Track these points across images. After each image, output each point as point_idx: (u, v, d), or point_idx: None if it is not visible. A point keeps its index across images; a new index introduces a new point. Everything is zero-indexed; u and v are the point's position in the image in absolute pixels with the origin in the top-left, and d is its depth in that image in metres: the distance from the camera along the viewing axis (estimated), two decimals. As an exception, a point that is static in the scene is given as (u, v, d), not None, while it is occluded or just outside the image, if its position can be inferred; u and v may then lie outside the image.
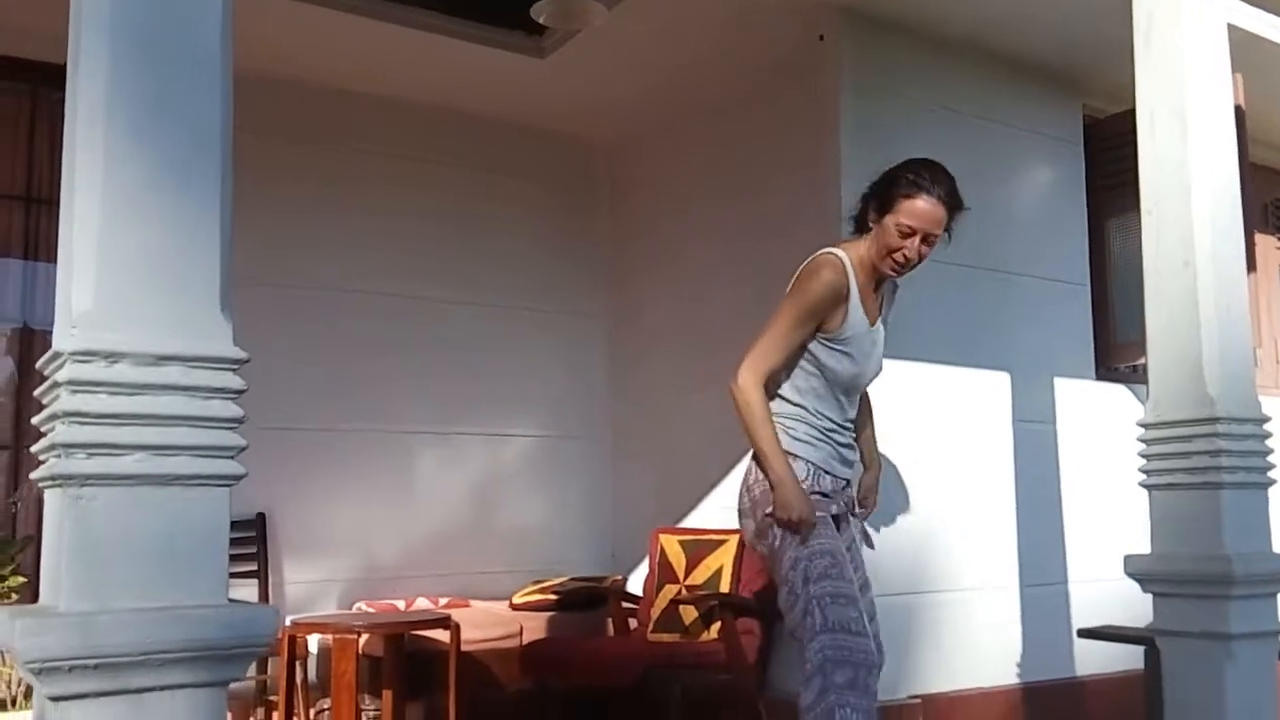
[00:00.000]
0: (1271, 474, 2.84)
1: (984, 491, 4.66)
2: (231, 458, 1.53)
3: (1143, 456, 2.88)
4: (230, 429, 1.53)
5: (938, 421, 4.54)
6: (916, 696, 4.28)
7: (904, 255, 2.95)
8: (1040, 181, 5.13)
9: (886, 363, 3.21)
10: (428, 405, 5.33)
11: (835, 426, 3.05)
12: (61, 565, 1.44)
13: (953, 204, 2.94)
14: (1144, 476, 2.89)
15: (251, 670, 4.56)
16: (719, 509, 4.94)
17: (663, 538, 4.76)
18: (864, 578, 3.08)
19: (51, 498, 1.49)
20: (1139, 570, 2.86)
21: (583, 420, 5.78)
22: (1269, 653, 2.81)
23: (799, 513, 2.84)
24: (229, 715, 4.48)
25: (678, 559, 4.63)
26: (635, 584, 5.17)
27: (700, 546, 4.60)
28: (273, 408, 4.80)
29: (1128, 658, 4.30)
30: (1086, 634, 3.75)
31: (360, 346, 5.17)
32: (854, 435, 3.14)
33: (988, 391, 4.74)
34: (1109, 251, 5.13)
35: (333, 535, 5.02)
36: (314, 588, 4.94)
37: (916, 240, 2.93)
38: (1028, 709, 4.56)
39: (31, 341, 4.53)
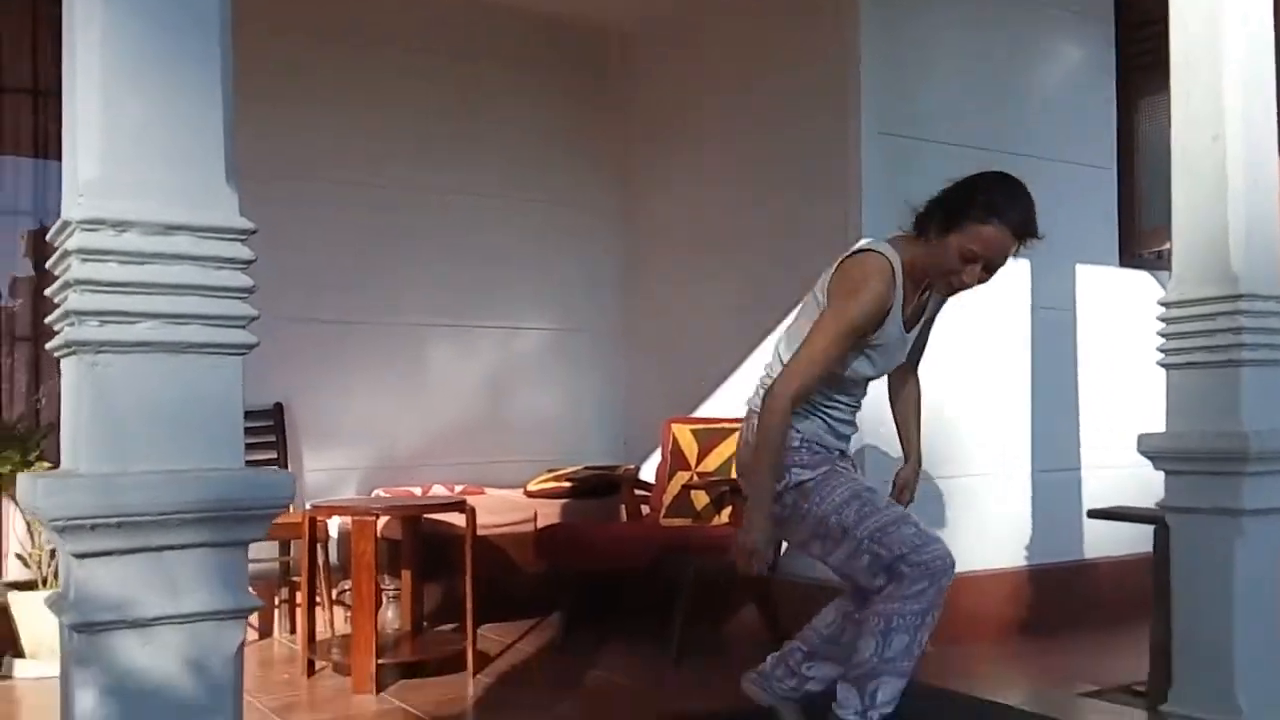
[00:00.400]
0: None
1: (999, 378, 4.66)
2: (243, 327, 1.55)
3: (1162, 336, 2.87)
4: (240, 299, 1.55)
5: (953, 308, 4.52)
6: (927, 578, 4.34)
7: (961, 280, 2.77)
8: (1067, 60, 5.02)
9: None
10: (441, 298, 5.35)
11: (836, 404, 2.93)
12: (80, 431, 1.47)
13: (1026, 234, 2.73)
14: (1162, 357, 2.88)
15: (275, 552, 4.66)
16: (730, 399, 4.97)
17: (675, 427, 4.80)
18: None
19: (68, 366, 1.51)
20: (1152, 448, 2.87)
21: (594, 313, 5.79)
22: (1279, 530, 2.83)
23: (756, 547, 2.67)
24: (252, 591, 4.62)
25: (690, 447, 4.67)
26: (648, 472, 5.23)
27: (712, 435, 4.64)
28: (288, 300, 4.83)
29: (1136, 542, 4.33)
30: (1096, 514, 3.78)
31: (373, 240, 5.19)
32: (855, 412, 3.01)
33: (1007, 277, 4.70)
34: (1138, 134, 5.05)
35: (350, 425, 5.08)
36: (333, 476, 5.02)
37: (978, 267, 2.73)
38: (1035, 590, 4.62)
39: (47, 242, 4.54)
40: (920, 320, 3.00)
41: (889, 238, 2.89)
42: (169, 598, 1.50)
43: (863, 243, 2.93)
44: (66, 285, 1.47)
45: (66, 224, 1.47)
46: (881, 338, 2.82)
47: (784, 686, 3.06)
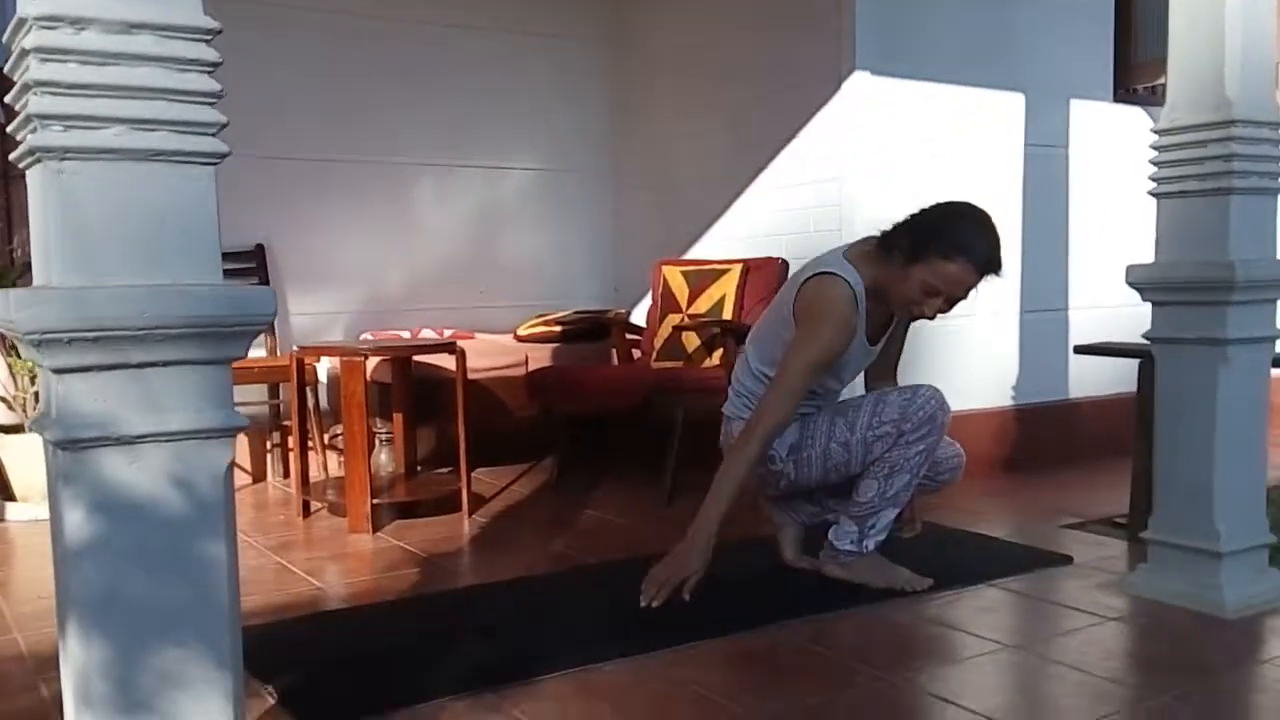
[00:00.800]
0: (1282, 180, 2.80)
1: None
2: (213, 134, 1.50)
3: (1154, 164, 2.83)
4: (209, 104, 1.50)
5: (945, 144, 4.47)
6: (914, 417, 4.38)
7: (921, 311, 2.81)
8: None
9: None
10: (426, 136, 5.26)
11: (805, 407, 3.00)
12: (50, 243, 1.44)
13: (990, 271, 2.79)
14: (1154, 186, 2.85)
15: (264, 395, 4.68)
16: (722, 240, 4.94)
17: (665, 269, 4.78)
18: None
19: (34, 176, 1.48)
20: (1140, 279, 2.86)
21: (584, 152, 5.71)
22: (1263, 357, 2.83)
23: (692, 571, 2.74)
24: (245, 439, 4.66)
25: (680, 289, 4.66)
26: (638, 317, 5.23)
27: (703, 277, 4.62)
28: (268, 136, 4.75)
29: (1120, 382, 4.37)
30: (1083, 350, 3.79)
31: (357, 74, 5.06)
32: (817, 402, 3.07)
33: (1000, 113, 4.63)
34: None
35: (335, 268, 5.05)
36: (319, 320, 5.00)
37: (939, 301, 2.78)
38: (1020, 427, 4.68)
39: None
40: (888, 331, 3.06)
41: (851, 252, 2.91)
42: (153, 415, 1.50)
43: (826, 262, 2.89)
44: (26, 88, 1.42)
45: (23, 21, 1.41)
46: (846, 356, 2.90)
47: (805, 511, 3.24)
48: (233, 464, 1.59)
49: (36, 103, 1.40)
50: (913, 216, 2.82)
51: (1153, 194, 2.86)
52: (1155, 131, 2.84)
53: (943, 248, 2.73)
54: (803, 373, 2.79)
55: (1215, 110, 2.72)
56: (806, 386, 2.84)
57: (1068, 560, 3.27)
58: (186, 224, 1.49)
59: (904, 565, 3.02)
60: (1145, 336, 2.92)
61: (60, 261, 1.43)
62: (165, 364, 1.49)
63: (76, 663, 1.49)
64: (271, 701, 2.27)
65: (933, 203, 2.86)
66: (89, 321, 1.41)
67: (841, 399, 3.12)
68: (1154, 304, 2.88)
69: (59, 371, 1.44)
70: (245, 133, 4.63)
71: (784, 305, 2.95)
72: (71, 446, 1.46)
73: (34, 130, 1.41)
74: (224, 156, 1.50)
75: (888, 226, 2.87)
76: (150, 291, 1.45)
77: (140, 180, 1.45)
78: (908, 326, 3.16)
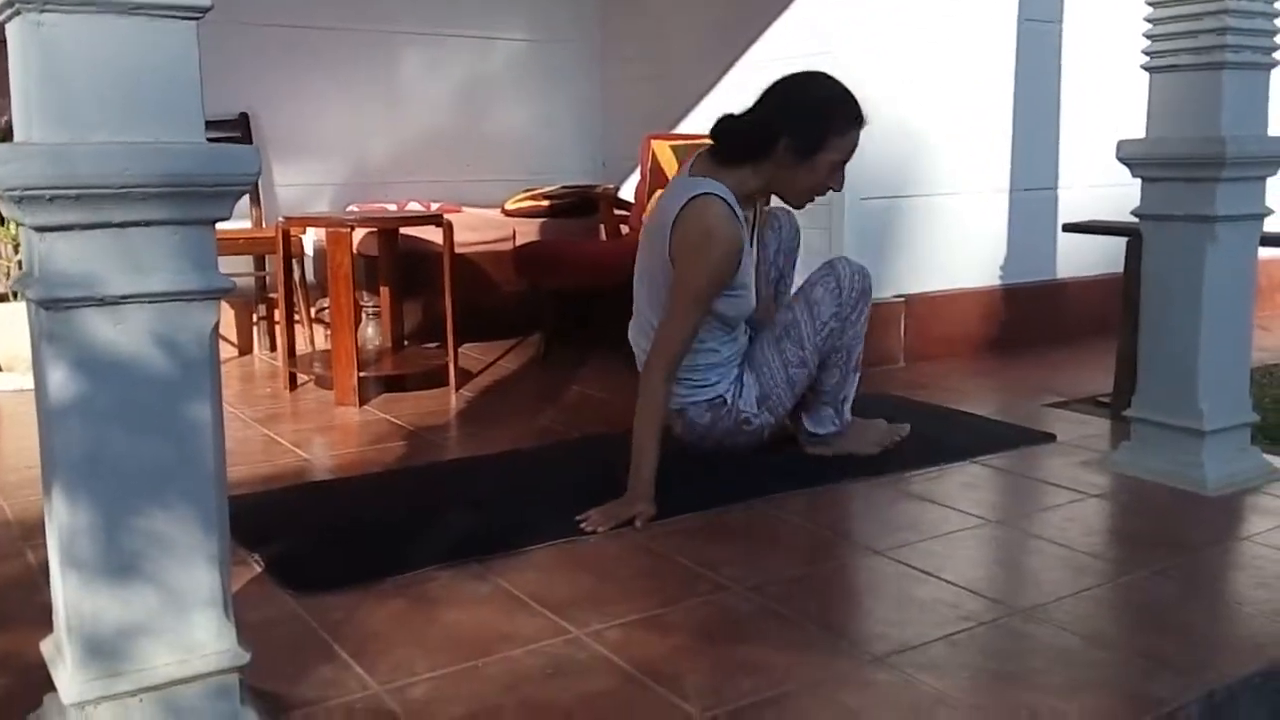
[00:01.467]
0: (1277, 55, 2.76)
1: (981, 94, 4.57)
2: (194, -13, 1.46)
3: (1147, 38, 2.79)
4: (189, -45, 1.45)
5: (936, 20, 4.39)
6: (901, 296, 4.39)
7: (830, 188, 2.82)
8: None
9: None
10: (415, 3, 5.14)
11: (724, 344, 2.93)
12: (30, 99, 1.40)
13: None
14: (1147, 60, 2.81)
15: (250, 267, 4.65)
16: (713, 114, 4.85)
17: (655, 143, 4.72)
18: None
19: (13, 31, 1.43)
20: (1130, 154, 2.83)
21: (572, 21, 5.59)
22: (1251, 236, 2.83)
23: (640, 512, 2.58)
24: (232, 311, 4.64)
25: (670, 164, 4.60)
26: (627, 192, 5.19)
27: (693, 151, 4.55)
28: (251, 2, 4.63)
29: (1107, 263, 4.37)
30: (1071, 228, 3.78)
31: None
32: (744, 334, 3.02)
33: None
34: None
35: (320, 138, 4.97)
36: (304, 191, 4.95)
37: (842, 172, 2.82)
38: (1007, 307, 4.69)
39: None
40: (755, 228, 3.00)
41: (699, 169, 2.81)
42: (135, 276, 1.48)
43: (690, 183, 2.76)
44: (-2, -65, 1.38)
45: None
46: (741, 276, 2.80)
47: None
48: (217, 326, 1.57)
49: (10, -51, 1.36)
50: (776, 112, 2.74)
51: (1145, 68, 2.82)
52: (1149, 3, 2.79)
53: (839, 125, 2.75)
54: (693, 301, 2.69)
55: (1212, -19, 2.67)
56: (701, 314, 2.72)
57: (1051, 438, 3.30)
58: (168, 81, 1.45)
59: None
60: (1134, 213, 2.91)
61: (41, 117, 1.39)
62: (147, 223, 1.46)
63: (61, 524, 1.50)
64: (259, 569, 2.30)
65: (775, 88, 2.78)
66: (70, 179, 1.37)
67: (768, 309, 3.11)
68: (1143, 180, 2.86)
69: (41, 230, 1.41)
70: (227, -2, 4.56)
71: (658, 238, 2.78)
72: (55, 306, 1.44)
73: (9, -21, 1.37)
74: (206, 10, 1.45)
75: (715, 129, 2.82)
76: (131, 148, 1.42)
77: (122, 35, 1.41)
78: (781, 242, 3.17)
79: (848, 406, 3.04)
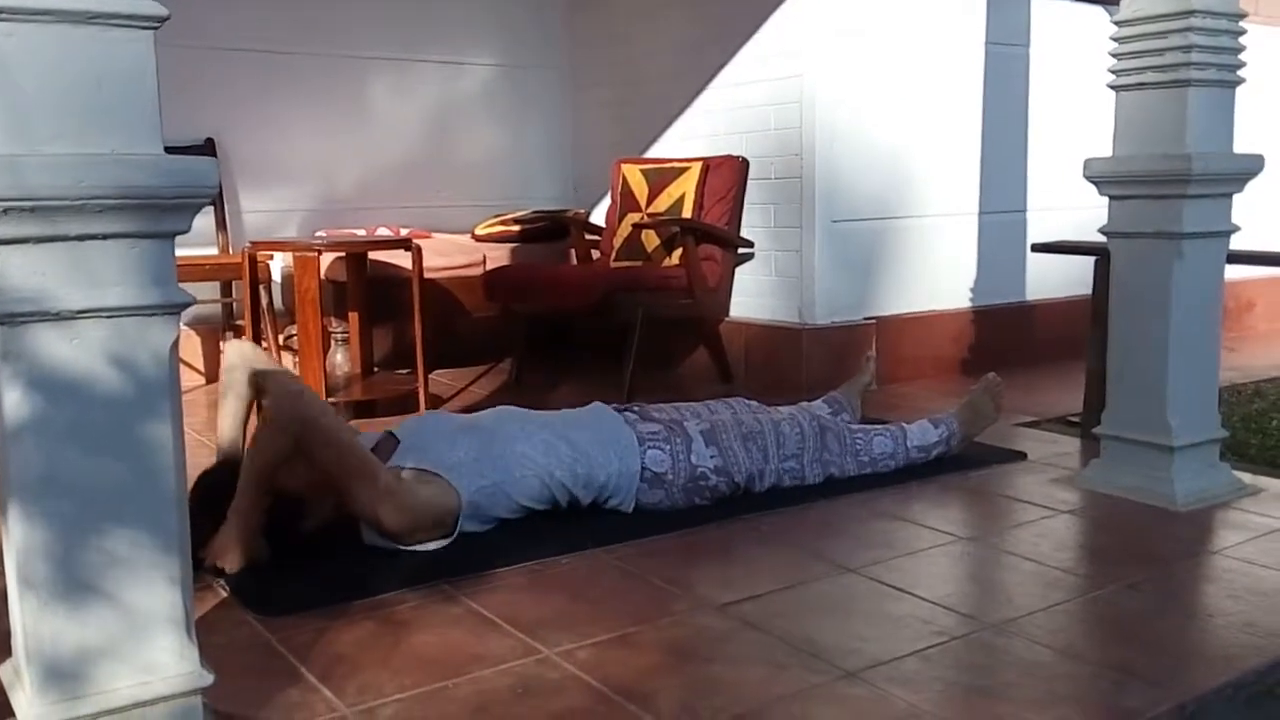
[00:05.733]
0: (1241, 73, 2.78)
1: (949, 117, 4.60)
2: (152, -3, 1.44)
3: (1114, 56, 2.81)
4: (147, -35, 1.43)
5: (904, 43, 4.42)
6: (871, 318, 4.40)
7: None
8: None
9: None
10: (382, 29, 5.14)
11: None
12: (-16, 111, 1.39)
13: None
14: (1113, 79, 2.83)
15: (216, 294, 4.61)
16: (681, 138, 4.89)
17: (625, 167, 4.72)
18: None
19: (-37, 39, 1.41)
20: (1097, 172, 2.85)
21: (542, 46, 5.60)
22: (1218, 252, 2.84)
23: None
24: (198, 339, 4.60)
25: (640, 188, 4.61)
26: (598, 217, 5.18)
27: (663, 175, 4.57)
28: (218, 26, 4.63)
29: (1076, 284, 4.39)
30: (1040, 248, 3.80)
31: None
32: None
33: (959, 10, 4.58)
34: None
35: (288, 163, 4.95)
36: (272, 217, 4.92)
37: None
38: (978, 329, 4.70)
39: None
40: None
41: None
42: (92, 291, 1.45)
43: None
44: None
45: None
46: None
47: None
48: (177, 342, 1.55)
49: (-35, -41, 1.34)
50: None
51: (1112, 86, 2.84)
52: (1115, 22, 2.81)
53: None
54: None
55: (1176, 0, 2.69)
56: None
57: (1022, 456, 3.30)
58: (124, 92, 1.43)
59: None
60: (1102, 230, 2.92)
61: (-5, 129, 1.37)
62: (104, 237, 1.44)
63: (18, 546, 1.47)
64: (224, 594, 2.27)
65: None
66: (25, 190, 1.35)
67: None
68: (1111, 198, 2.88)
69: (-6, 243, 1.39)
70: (195, 22, 4.56)
71: None
72: (9, 321, 1.42)
73: (-38, -11, 1.35)
74: (163, 20, 1.44)
75: None
76: (87, 159, 1.40)
77: (77, 45, 1.39)
78: None
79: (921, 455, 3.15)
